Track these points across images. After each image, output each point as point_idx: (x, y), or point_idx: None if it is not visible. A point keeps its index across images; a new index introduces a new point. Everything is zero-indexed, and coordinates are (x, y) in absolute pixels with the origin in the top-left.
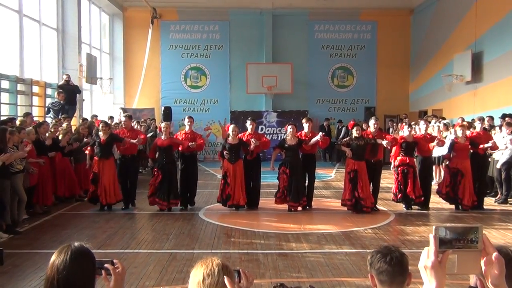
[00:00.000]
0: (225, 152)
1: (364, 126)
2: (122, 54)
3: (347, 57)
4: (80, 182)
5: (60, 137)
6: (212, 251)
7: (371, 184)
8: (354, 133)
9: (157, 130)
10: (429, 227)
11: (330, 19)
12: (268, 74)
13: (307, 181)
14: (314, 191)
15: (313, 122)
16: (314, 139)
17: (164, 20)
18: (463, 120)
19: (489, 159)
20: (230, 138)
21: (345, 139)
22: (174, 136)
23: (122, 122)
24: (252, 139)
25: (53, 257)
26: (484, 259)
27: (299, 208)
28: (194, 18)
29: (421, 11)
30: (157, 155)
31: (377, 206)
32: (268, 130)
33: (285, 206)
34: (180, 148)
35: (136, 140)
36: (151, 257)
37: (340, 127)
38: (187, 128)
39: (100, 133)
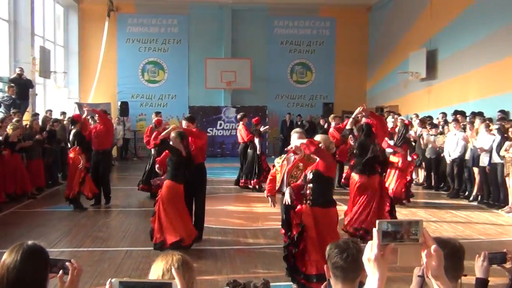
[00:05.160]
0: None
1: (321, 122)
2: (77, 48)
3: (306, 53)
4: (32, 179)
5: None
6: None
7: None
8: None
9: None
10: None
11: (289, 15)
12: (227, 69)
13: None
14: None
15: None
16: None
17: (121, 13)
18: (417, 116)
19: (441, 155)
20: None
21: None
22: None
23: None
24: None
25: (4, 256)
26: (425, 252)
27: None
28: (152, 11)
29: (379, 9)
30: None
31: None
32: (227, 126)
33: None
34: None
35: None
36: (106, 255)
37: (299, 122)
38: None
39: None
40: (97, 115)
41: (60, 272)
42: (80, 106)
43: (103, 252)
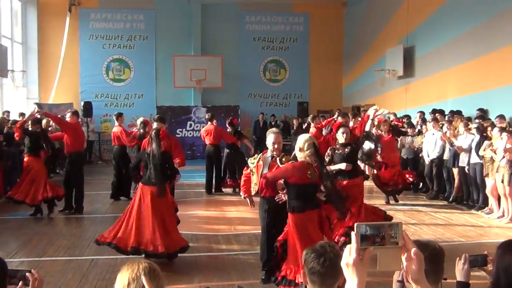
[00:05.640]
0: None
1: (295, 122)
2: (37, 45)
3: (279, 50)
4: None
5: None
6: (136, 256)
7: None
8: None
9: None
10: None
11: (262, 10)
12: (196, 67)
13: None
14: None
15: None
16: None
17: (83, 8)
18: (395, 115)
19: (420, 155)
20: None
21: None
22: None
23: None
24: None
25: None
26: (405, 255)
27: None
28: (116, 6)
29: (354, 4)
30: None
31: None
32: (197, 127)
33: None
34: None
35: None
36: (70, 264)
37: (273, 122)
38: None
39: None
40: (49, 118)
41: (20, 283)
42: (40, 106)
43: (67, 261)
